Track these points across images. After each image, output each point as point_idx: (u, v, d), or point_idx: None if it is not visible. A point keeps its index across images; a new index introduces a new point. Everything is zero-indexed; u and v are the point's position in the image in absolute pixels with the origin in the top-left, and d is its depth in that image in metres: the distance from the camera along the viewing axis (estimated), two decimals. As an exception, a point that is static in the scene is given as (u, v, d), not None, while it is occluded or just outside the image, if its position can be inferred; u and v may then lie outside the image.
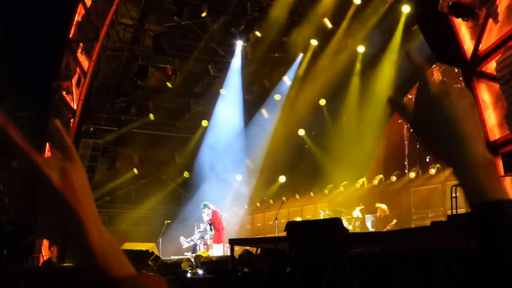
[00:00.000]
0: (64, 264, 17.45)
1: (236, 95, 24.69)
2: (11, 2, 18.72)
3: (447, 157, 1.27)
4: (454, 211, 11.39)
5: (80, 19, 20.41)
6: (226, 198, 24.81)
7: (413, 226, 17.76)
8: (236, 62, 24.02)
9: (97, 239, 1.10)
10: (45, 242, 20.32)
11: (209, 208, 19.74)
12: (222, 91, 24.72)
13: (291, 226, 10.56)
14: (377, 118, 21.07)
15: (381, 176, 20.55)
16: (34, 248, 19.57)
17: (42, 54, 18.97)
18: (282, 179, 24.93)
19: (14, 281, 14.96)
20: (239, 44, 23.58)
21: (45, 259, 19.04)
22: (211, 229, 18.94)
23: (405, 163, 20.08)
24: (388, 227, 16.91)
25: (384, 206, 17.68)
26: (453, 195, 11.63)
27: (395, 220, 17.19)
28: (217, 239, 19.20)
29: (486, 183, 1.20)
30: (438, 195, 17.96)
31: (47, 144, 19.71)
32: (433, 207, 18.12)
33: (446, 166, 1.27)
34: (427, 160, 18.71)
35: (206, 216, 19.13)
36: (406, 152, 20.20)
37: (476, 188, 1.20)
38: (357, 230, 17.22)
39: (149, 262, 15.15)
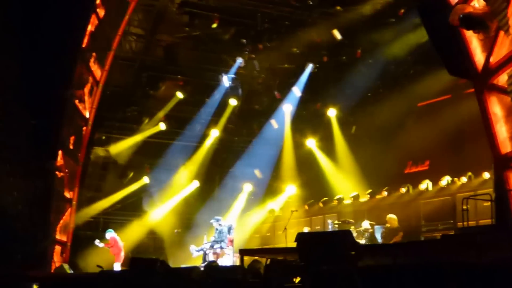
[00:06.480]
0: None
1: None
2: (26, 12, 18.81)
3: None
4: (465, 223, 11.38)
5: (93, 29, 20.51)
6: (235, 207, 24.83)
7: (422, 238, 17.69)
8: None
9: None
10: (57, 249, 20.47)
11: None
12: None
13: (302, 237, 10.59)
14: (387, 130, 21.08)
15: (388, 188, 20.41)
16: (46, 255, 19.69)
17: (55, 63, 19.02)
18: (291, 189, 24.88)
19: (27, 286, 15.14)
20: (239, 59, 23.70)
21: (57, 265, 19.14)
22: (222, 240, 18.83)
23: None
24: (395, 240, 16.80)
25: (394, 217, 17.53)
26: (464, 207, 11.63)
27: (401, 233, 16.99)
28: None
29: None
30: (449, 208, 17.76)
31: (60, 151, 19.79)
32: (443, 220, 17.92)
33: None
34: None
35: (218, 226, 19.03)
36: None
37: None
38: (367, 242, 17.15)
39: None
